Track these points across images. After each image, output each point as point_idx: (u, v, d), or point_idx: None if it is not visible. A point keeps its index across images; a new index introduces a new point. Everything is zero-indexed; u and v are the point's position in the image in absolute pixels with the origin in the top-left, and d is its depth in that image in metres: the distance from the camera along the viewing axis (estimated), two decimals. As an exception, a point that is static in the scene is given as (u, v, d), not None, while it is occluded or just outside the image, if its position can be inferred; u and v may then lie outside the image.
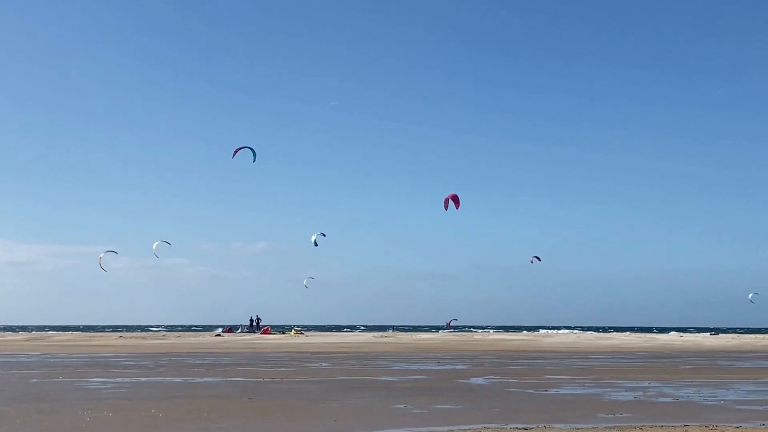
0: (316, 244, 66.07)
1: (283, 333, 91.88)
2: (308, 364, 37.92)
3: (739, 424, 16.45)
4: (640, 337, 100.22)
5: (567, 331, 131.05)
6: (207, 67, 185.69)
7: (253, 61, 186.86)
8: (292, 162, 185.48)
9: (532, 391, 24.41)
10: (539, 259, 69.27)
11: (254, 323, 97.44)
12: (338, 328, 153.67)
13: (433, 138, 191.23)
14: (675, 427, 15.98)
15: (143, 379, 28.23)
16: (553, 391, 24.58)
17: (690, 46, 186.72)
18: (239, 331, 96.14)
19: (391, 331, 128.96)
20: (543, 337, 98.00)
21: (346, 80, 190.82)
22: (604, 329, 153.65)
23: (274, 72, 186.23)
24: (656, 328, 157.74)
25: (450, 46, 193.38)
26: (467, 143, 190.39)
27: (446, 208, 56.03)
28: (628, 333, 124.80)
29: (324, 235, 64.35)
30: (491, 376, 30.48)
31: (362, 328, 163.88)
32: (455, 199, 55.83)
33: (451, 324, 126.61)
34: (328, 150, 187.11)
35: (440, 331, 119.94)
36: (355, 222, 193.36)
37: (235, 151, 53.13)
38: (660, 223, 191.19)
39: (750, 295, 78.78)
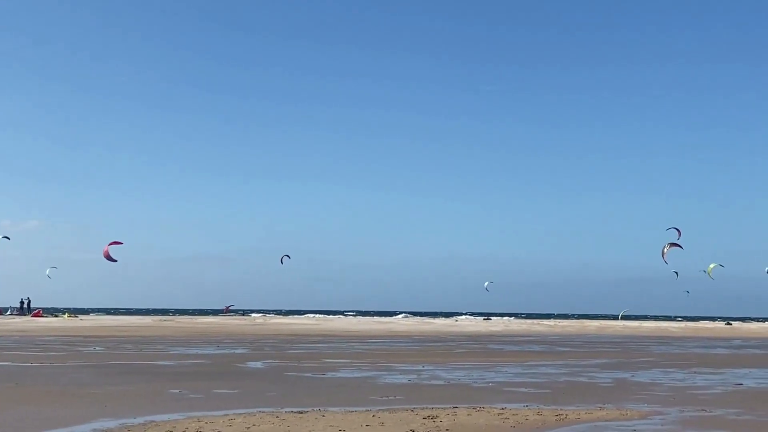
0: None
1: (56, 316, 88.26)
2: (81, 348, 36.64)
3: (504, 405, 17.20)
4: (417, 321, 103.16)
5: (346, 315, 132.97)
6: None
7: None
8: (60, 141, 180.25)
9: (310, 375, 24.61)
10: (289, 257, 69.58)
11: (25, 305, 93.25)
12: (118, 312, 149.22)
13: (201, 123, 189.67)
14: (444, 408, 16.52)
15: None
16: (330, 374, 24.88)
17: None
18: (8, 313, 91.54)
19: (171, 314, 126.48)
20: (324, 321, 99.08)
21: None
22: (384, 313, 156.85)
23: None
24: (434, 313, 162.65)
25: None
26: (241, 128, 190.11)
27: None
28: (405, 317, 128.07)
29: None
30: (270, 361, 30.49)
31: (142, 311, 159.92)
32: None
33: (229, 308, 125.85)
34: (94, 131, 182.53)
35: (220, 315, 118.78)
36: (135, 204, 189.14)
37: None
38: (439, 210, 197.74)
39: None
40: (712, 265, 54.21)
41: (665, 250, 47.49)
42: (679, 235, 58.91)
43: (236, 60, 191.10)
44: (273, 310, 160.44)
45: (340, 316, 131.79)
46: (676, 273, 55.68)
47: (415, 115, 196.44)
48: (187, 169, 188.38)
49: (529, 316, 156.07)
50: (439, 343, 47.37)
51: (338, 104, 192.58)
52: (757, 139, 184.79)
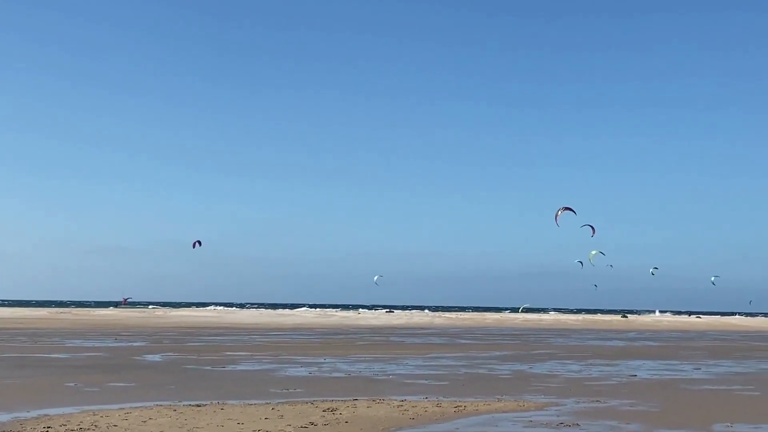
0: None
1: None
2: (-28, 341, 35.54)
3: (404, 398, 17.26)
4: (319, 314, 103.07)
5: (249, 308, 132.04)
6: None
7: None
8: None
9: (209, 368, 24.31)
10: (200, 243, 68.50)
11: None
12: (11, 303, 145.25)
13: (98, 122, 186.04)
14: (344, 400, 16.50)
15: None
16: (230, 367, 24.63)
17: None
18: None
19: (68, 306, 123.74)
20: (226, 313, 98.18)
21: None
22: (286, 306, 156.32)
23: None
24: (337, 306, 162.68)
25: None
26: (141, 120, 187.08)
27: None
28: (308, 309, 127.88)
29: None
30: (169, 353, 30.04)
31: (37, 303, 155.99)
32: None
33: (126, 300, 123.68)
34: None
35: (118, 307, 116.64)
36: (30, 195, 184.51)
37: None
38: (341, 205, 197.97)
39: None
40: (593, 252, 54.92)
41: (558, 213, 47.91)
42: (594, 232, 60.11)
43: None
44: (174, 303, 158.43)
45: (243, 308, 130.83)
46: (581, 263, 56.39)
47: (312, 118, 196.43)
48: (89, 159, 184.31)
49: (432, 308, 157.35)
50: (341, 336, 47.38)
51: (252, 103, 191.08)
52: (649, 143, 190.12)
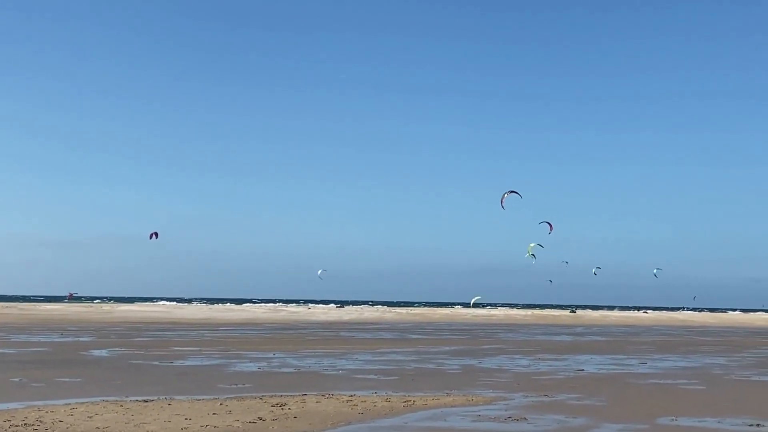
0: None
1: None
2: None
3: (353, 393, 17.25)
4: (269, 309, 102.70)
5: (198, 303, 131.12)
6: None
7: None
8: None
9: (157, 363, 24.09)
10: (157, 235, 67.45)
11: None
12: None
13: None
14: (293, 396, 16.44)
15: None
16: (178, 362, 24.43)
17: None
18: None
19: (12, 301, 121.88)
20: (175, 308, 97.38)
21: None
22: (236, 301, 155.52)
23: None
24: (288, 301, 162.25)
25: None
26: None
27: None
28: (258, 305, 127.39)
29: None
30: (116, 348, 29.73)
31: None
32: None
33: (72, 295, 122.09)
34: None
35: (63, 302, 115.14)
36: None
37: None
38: (292, 200, 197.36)
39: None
40: (532, 245, 54.74)
41: (504, 196, 47.92)
42: (551, 229, 60.63)
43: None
44: (121, 298, 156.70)
45: (191, 303, 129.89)
46: (533, 255, 56.25)
47: (269, 111, 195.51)
48: (34, 154, 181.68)
49: (382, 304, 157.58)
50: (291, 331, 47.25)
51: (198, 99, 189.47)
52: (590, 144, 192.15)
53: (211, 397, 16.24)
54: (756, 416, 14.71)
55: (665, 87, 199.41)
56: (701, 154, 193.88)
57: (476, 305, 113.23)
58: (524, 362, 26.64)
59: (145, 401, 15.33)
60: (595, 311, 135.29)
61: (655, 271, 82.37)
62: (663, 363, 27.56)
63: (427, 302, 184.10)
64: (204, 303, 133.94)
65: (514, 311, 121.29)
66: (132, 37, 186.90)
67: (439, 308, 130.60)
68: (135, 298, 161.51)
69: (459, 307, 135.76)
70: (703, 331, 63.32)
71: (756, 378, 22.63)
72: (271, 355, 27.53)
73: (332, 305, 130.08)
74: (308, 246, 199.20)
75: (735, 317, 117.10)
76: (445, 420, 13.80)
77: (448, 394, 17.33)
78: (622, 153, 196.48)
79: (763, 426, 13.68)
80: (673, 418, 14.37)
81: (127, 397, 16.00)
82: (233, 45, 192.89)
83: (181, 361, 24.80)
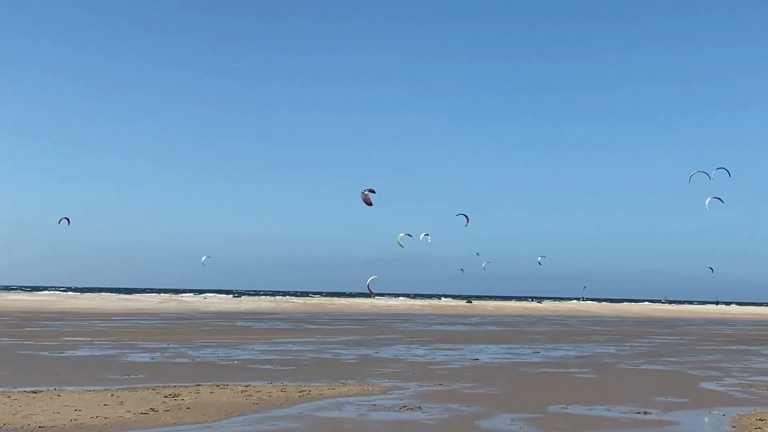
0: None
1: None
2: None
3: (248, 383, 17.13)
4: (165, 299, 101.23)
5: (91, 293, 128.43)
6: None
7: None
8: None
9: (47, 353, 23.47)
10: (68, 221, 65.86)
11: None
12: None
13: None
14: (187, 386, 16.23)
15: None
16: (69, 353, 23.86)
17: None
18: None
19: None
20: (67, 298, 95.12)
21: None
22: (131, 291, 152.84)
23: None
24: (184, 291, 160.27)
25: None
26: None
27: None
28: (153, 294, 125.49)
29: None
30: (3, 339, 28.87)
31: None
32: None
33: None
34: None
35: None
36: None
37: None
38: (193, 191, 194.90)
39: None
40: (401, 234, 54.34)
41: (367, 194, 48.04)
42: (467, 221, 61.60)
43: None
44: (7, 286, 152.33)
45: (84, 293, 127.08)
46: (401, 245, 55.73)
47: (191, 97, 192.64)
48: None
49: (280, 293, 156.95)
50: (186, 321, 46.65)
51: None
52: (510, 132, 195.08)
53: (103, 388, 15.91)
54: (644, 404, 15.13)
55: (538, 77, 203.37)
56: (600, 144, 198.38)
57: (379, 297, 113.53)
58: (420, 352, 26.86)
59: (34, 392, 14.93)
60: (491, 301, 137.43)
61: (539, 258, 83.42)
62: (555, 352, 28.14)
63: (324, 292, 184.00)
64: (97, 293, 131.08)
65: (412, 301, 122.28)
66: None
67: (337, 298, 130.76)
68: (22, 287, 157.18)
69: (356, 297, 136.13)
70: (596, 321, 64.88)
71: (644, 367, 23.29)
72: (165, 346, 27.12)
73: (228, 295, 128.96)
74: (207, 236, 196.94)
75: (627, 307, 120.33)
76: (340, 410, 13.81)
77: (344, 384, 17.34)
78: (518, 143, 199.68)
79: (650, 413, 14.08)
80: (564, 406, 14.67)
81: (14, 388, 15.55)
82: (172, 24, 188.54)
83: (72, 352, 24.23)
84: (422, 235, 60.09)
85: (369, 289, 53.44)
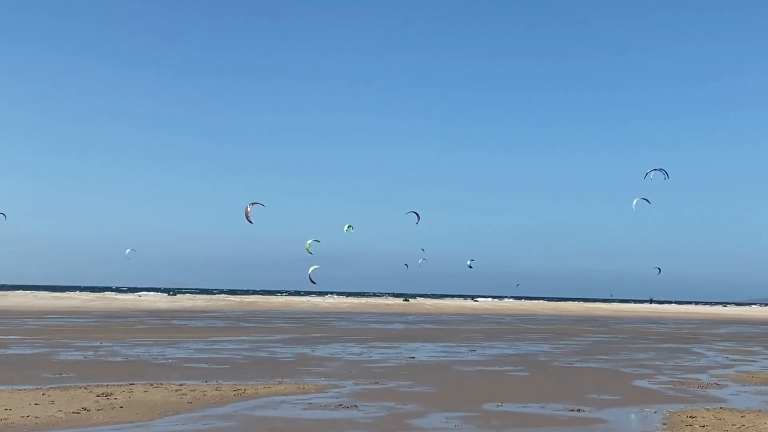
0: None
1: None
2: None
3: (182, 382, 16.96)
4: (98, 297, 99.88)
5: (26, 292, 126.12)
6: None
7: None
8: None
9: (-25, 352, 23.01)
10: (5, 216, 64.64)
11: None
12: None
13: None
14: (120, 385, 16.02)
15: None
16: (0, 351, 23.43)
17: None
18: None
19: None
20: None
21: None
22: (62, 288, 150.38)
23: None
24: (117, 289, 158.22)
25: None
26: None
27: None
28: (89, 292, 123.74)
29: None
30: (-69, 337, 28.23)
31: None
32: None
33: None
34: None
35: None
36: None
37: None
38: (127, 187, 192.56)
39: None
40: (309, 241, 53.59)
41: (248, 209, 47.84)
42: (418, 219, 62.09)
43: None
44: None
45: (15, 290, 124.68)
46: (310, 252, 54.92)
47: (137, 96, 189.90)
48: None
49: (217, 291, 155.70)
50: (120, 319, 46.06)
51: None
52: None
53: (33, 387, 15.62)
54: (577, 402, 15.31)
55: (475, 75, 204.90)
56: (538, 146, 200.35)
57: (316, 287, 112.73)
58: (357, 350, 26.85)
59: (-39, 392, 14.61)
60: (427, 300, 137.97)
61: (468, 262, 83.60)
62: (491, 350, 28.35)
63: (261, 290, 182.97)
64: (29, 290, 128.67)
65: (349, 300, 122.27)
66: None
67: (273, 296, 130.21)
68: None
69: (292, 295, 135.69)
70: (531, 319, 65.53)
71: (578, 365, 23.58)
72: (98, 344, 26.74)
73: (163, 293, 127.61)
74: (141, 233, 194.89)
75: (562, 306, 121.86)
76: (275, 408, 13.75)
77: (280, 383, 17.26)
78: (460, 142, 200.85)
79: (584, 410, 14.26)
80: (499, 404, 14.79)
81: (-60, 388, 15.21)
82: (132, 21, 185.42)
83: (2, 350, 23.76)
84: (346, 227, 60.02)
85: (310, 279, 53.14)
